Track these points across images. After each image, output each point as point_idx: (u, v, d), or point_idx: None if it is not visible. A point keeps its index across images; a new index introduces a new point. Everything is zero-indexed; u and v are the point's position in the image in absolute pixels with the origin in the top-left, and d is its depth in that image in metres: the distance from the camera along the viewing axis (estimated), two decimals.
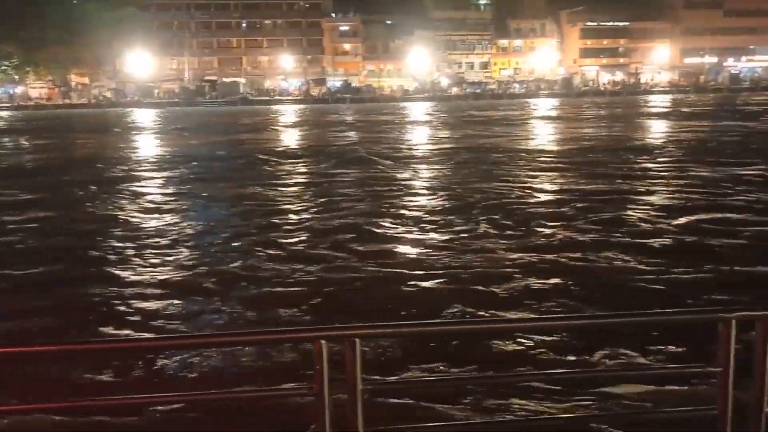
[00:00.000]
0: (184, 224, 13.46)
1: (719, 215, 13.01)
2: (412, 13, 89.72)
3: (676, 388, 5.52)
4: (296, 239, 11.88)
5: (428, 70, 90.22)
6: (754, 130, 32.39)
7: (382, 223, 12.83)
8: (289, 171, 21.72)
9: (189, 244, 11.70)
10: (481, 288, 8.77)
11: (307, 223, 13.24)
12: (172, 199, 16.67)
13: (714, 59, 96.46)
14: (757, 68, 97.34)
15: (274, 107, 71.95)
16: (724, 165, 20.01)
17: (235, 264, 10.21)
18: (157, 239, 12.01)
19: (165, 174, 21.26)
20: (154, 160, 26.03)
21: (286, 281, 9.29)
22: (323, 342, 2.39)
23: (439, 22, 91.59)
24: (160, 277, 9.62)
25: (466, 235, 11.79)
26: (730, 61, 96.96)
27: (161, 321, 7.95)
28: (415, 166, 21.90)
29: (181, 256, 10.88)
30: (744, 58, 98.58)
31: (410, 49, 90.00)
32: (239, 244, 11.62)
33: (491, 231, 12.02)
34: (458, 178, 18.78)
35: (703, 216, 12.99)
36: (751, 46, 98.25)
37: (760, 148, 24.76)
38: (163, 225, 13.34)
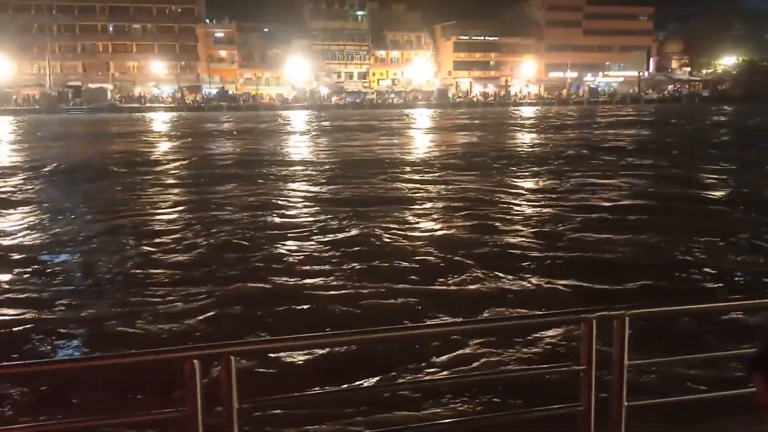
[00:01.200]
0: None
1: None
2: (290, 22, 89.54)
3: (544, 387, 5.65)
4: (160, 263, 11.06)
5: (307, 79, 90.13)
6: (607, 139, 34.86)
7: (257, 243, 12.01)
8: (156, 184, 20.43)
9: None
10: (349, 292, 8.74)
11: (176, 246, 12.17)
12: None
13: (575, 74, 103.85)
14: (612, 83, 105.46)
15: (146, 115, 68.95)
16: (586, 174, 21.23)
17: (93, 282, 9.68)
18: None
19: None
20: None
21: (153, 300, 8.84)
22: (195, 362, 2.30)
23: (316, 31, 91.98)
24: None
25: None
26: (588, 76, 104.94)
27: None
28: (293, 177, 21.53)
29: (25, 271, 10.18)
30: (601, 74, 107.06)
31: (288, 57, 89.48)
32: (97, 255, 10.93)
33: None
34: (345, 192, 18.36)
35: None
36: (607, 63, 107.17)
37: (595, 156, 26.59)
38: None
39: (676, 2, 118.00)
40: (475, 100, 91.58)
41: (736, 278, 9.66)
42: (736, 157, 25.50)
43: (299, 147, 33.52)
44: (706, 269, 10.02)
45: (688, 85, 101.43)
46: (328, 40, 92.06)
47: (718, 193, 17.49)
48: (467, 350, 6.76)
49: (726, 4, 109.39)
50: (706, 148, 29.08)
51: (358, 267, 10.21)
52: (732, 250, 11.15)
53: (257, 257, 10.92)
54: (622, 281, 9.29)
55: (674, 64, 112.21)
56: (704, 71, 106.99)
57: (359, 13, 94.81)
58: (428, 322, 7.59)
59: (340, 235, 12.39)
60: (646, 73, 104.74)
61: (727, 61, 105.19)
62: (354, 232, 12.65)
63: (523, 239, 12.04)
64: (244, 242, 11.98)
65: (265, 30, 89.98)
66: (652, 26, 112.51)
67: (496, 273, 9.81)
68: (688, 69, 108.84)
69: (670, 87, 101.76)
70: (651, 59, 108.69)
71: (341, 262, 10.57)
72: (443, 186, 18.71)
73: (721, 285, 9.26)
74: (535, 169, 22.54)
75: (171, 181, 21.17)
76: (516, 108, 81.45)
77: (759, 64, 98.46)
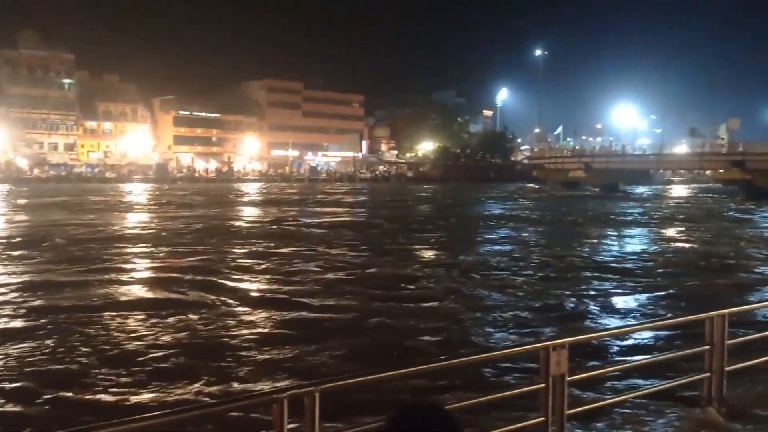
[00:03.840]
0: None
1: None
2: None
3: None
4: None
5: (2, 149, 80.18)
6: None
7: None
8: None
9: None
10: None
11: None
12: None
13: (297, 152, 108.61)
14: (331, 162, 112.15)
15: None
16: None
17: None
18: None
19: None
20: None
21: None
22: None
23: (15, 97, 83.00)
24: None
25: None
26: (309, 155, 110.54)
27: None
28: None
29: None
30: (320, 153, 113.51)
31: None
32: None
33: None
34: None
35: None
36: (326, 143, 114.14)
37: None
38: None
39: (382, 92, 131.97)
40: (197, 175, 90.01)
41: (424, 342, 9.92)
42: (439, 228, 28.28)
43: None
44: (402, 336, 10.20)
45: (395, 167, 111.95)
46: (29, 107, 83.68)
47: (425, 264, 18.73)
48: None
49: (422, 97, 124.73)
50: (413, 223, 31.68)
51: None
52: (425, 318, 11.61)
53: None
54: (313, 355, 9.07)
55: (383, 147, 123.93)
56: (408, 154, 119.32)
57: (66, 81, 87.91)
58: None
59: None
60: (360, 155, 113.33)
61: (427, 146, 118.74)
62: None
63: (231, 319, 11.25)
64: None
65: None
66: (364, 112, 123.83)
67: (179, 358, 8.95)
68: (396, 152, 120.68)
69: (381, 167, 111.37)
70: (364, 142, 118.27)
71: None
72: (152, 263, 17.57)
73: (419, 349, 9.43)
74: (251, 245, 22.30)
75: None
76: (240, 184, 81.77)
77: (450, 150, 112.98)
